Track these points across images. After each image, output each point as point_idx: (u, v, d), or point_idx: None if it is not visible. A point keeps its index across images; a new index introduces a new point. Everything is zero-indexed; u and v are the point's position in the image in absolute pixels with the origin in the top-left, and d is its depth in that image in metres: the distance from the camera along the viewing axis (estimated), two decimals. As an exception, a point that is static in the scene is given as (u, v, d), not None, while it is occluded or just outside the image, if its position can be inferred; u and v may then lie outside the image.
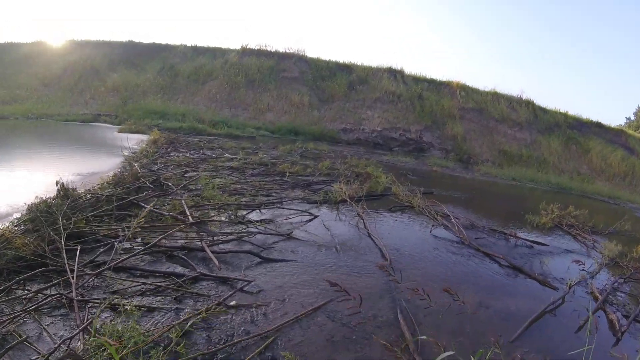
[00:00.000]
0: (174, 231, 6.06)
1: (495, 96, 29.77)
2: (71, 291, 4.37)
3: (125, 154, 11.99)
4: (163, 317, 4.18)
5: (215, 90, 27.55)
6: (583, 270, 7.03)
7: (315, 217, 8.15)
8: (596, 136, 28.33)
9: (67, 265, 4.82)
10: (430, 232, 8.20)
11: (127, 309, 4.11)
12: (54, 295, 4.30)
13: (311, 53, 35.23)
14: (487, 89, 30.56)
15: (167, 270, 5.15)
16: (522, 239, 8.47)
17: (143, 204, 7.11)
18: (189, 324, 3.88)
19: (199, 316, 4.07)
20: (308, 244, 6.54)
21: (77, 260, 4.90)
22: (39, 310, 4.13)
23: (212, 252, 5.67)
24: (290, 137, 22.80)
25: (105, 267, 4.96)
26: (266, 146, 18.37)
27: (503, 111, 28.23)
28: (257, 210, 8.22)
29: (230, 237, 6.26)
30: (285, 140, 21.22)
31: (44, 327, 3.87)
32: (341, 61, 31.52)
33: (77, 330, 3.67)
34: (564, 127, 28.69)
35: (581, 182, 22.67)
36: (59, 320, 4.03)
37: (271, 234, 6.65)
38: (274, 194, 9.77)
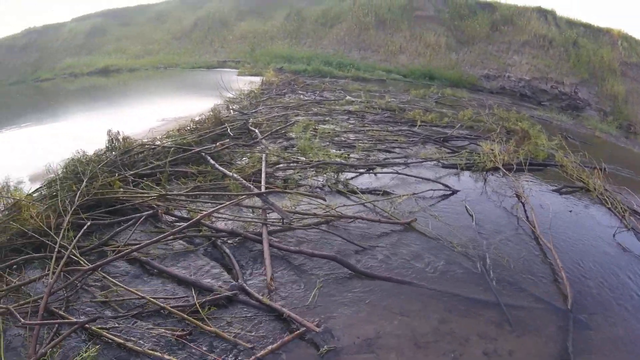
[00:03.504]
0: (229, 204, 4.05)
1: (666, 52, 22.26)
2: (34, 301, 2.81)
3: (229, 95, 10.64)
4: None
5: (344, 32, 25.88)
6: None
7: (454, 192, 5.34)
8: None
9: (55, 253, 3.29)
10: (614, 236, 4.70)
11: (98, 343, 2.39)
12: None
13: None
14: (655, 42, 23.21)
15: (191, 277, 3.18)
16: None
17: (209, 159, 5.31)
18: None
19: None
20: (437, 244, 3.88)
21: (71, 247, 3.34)
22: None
23: (274, 247, 3.50)
24: (423, 81, 20.01)
25: (106, 260, 3.26)
26: (396, 90, 15.64)
27: (676, 72, 21.21)
28: (369, 173, 5.77)
29: (311, 219, 3.96)
30: (418, 85, 18.23)
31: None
32: (482, -1, 26.96)
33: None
34: None
35: None
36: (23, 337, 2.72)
37: (378, 222, 4.10)
38: (397, 150, 7.15)
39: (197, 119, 7.31)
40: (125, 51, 28.57)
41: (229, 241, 3.79)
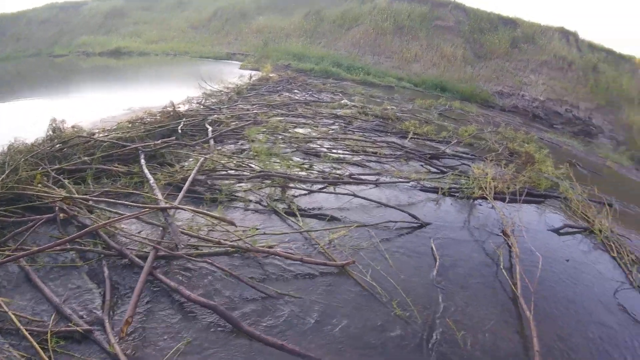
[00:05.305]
0: (125, 218, 3.65)
1: (690, 82, 22.11)
2: None
3: (210, 88, 10.33)
4: None
5: (360, 35, 25.86)
6: None
7: (423, 225, 4.65)
8: None
9: None
10: (615, 295, 3.96)
11: None
12: None
13: (470, 2, 30.05)
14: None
15: (56, 299, 2.89)
16: None
17: (142, 158, 4.95)
18: None
19: None
20: (374, 300, 3.22)
21: None
22: None
23: (156, 278, 3.10)
24: (434, 92, 19.61)
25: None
26: (401, 98, 15.13)
27: (700, 104, 20.88)
28: (319, 192, 5.23)
29: (215, 248, 3.53)
30: (427, 95, 17.70)
31: None
32: (504, 14, 26.73)
33: None
34: None
35: None
36: None
37: (300, 261, 3.50)
38: (372, 164, 6.61)
39: (156, 110, 6.97)
40: (141, 35, 29.48)
41: (123, 261, 3.41)
